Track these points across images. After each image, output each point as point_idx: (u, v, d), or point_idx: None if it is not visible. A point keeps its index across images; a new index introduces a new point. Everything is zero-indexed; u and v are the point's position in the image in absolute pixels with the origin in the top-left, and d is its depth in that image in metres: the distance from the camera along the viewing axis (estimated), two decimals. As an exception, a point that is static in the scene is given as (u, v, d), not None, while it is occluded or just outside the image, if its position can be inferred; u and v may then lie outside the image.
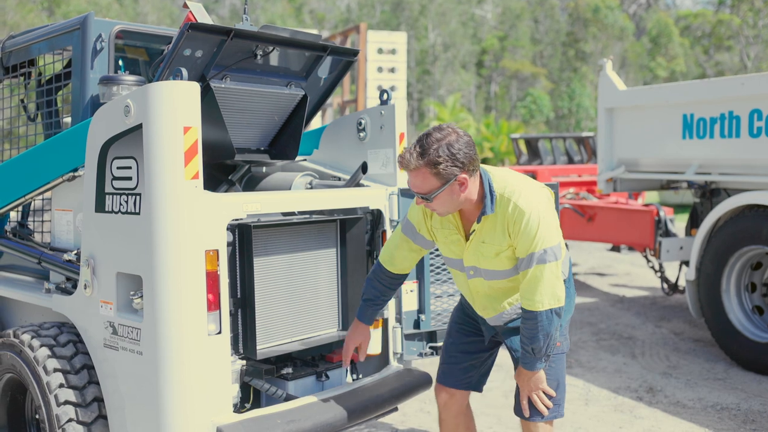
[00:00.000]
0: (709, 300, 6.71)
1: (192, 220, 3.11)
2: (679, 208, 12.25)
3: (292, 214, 3.96)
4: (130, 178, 3.19)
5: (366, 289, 3.46)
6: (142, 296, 3.18)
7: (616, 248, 10.85)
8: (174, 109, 3.07)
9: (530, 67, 53.18)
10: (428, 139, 2.90)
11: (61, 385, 3.38)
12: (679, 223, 9.37)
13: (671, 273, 8.91)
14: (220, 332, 3.23)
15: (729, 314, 6.57)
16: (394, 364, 4.16)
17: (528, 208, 2.98)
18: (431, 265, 4.18)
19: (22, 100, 4.59)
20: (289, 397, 3.60)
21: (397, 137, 4.16)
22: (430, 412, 5.36)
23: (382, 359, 4.16)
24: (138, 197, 3.15)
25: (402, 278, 3.47)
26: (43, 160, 3.88)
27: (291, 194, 3.85)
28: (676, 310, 8.70)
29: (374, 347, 4.11)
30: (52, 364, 3.42)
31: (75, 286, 3.65)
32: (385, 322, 4.13)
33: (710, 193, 7.19)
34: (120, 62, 4.53)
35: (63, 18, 45.21)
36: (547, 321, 3.00)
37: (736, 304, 6.61)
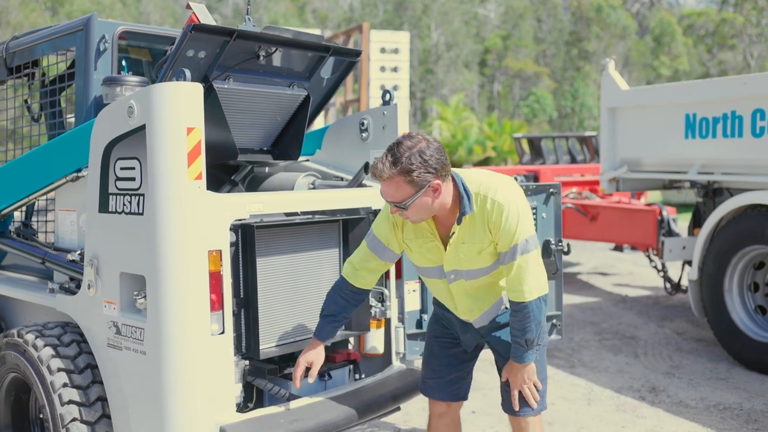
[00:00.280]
0: (712, 300, 6.71)
1: (195, 221, 3.12)
2: (681, 207, 12.24)
3: (295, 214, 3.97)
4: (133, 179, 3.21)
5: (326, 305, 3.40)
6: (145, 296, 3.19)
7: (618, 248, 10.84)
8: (177, 110, 3.08)
9: (533, 66, 53.14)
10: (399, 147, 2.91)
11: (64, 385, 3.39)
12: (681, 223, 9.37)
13: (674, 273, 8.91)
14: (223, 332, 3.25)
15: (731, 314, 6.57)
16: (397, 364, 4.17)
17: (505, 201, 3.02)
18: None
19: (26, 101, 4.60)
20: (291, 397, 3.61)
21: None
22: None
23: (385, 359, 4.18)
24: (141, 198, 3.16)
25: (364, 294, 3.41)
26: (47, 160, 3.89)
27: (294, 194, 3.86)
28: (679, 310, 8.70)
29: (377, 347, 4.12)
30: (56, 363, 3.43)
31: (78, 286, 3.66)
32: (388, 322, 4.14)
33: (713, 193, 7.19)
34: (123, 63, 4.54)
35: (66, 18, 45.27)
36: (537, 310, 3.06)
37: (738, 303, 6.61)
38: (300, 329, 3.77)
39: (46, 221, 4.27)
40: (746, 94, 6.49)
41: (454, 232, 3.10)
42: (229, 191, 4.17)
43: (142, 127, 3.12)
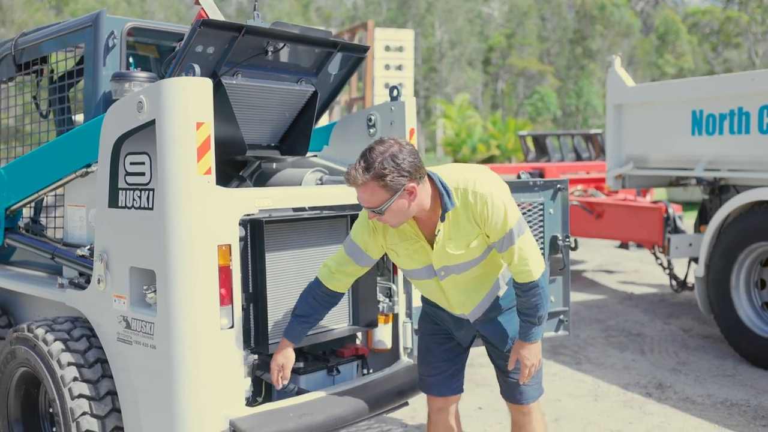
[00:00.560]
0: (719, 296, 6.70)
1: (205, 215, 3.14)
2: (687, 205, 12.23)
3: (303, 209, 3.98)
4: (143, 174, 3.22)
5: (298, 305, 3.38)
6: (155, 291, 3.20)
7: (624, 245, 10.83)
8: (187, 105, 3.09)
9: (537, 64, 53.12)
10: (372, 153, 2.91)
11: (75, 379, 3.41)
12: (686, 221, 9.37)
13: (680, 270, 8.90)
14: (232, 326, 3.26)
15: (738, 311, 6.57)
16: (405, 359, 4.17)
17: (486, 191, 3.02)
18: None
19: (35, 97, 4.62)
20: (300, 391, 3.62)
21: (407, 133, 4.17)
22: (439, 408, 5.38)
23: (392, 354, 4.18)
24: (151, 192, 3.17)
25: (338, 297, 3.39)
26: (56, 156, 3.90)
27: (302, 190, 3.87)
28: (685, 307, 8.70)
29: (384, 342, 4.13)
30: (66, 358, 3.45)
31: (88, 281, 3.68)
32: (396, 317, 4.15)
33: (719, 190, 7.18)
34: (130, 60, 4.55)
35: (71, 16, 45.36)
36: (545, 285, 3.11)
37: (745, 300, 6.60)
38: (308, 324, 3.77)
39: (55, 217, 4.28)
40: (753, 90, 6.49)
41: (439, 230, 3.09)
42: (237, 187, 4.17)
43: (152, 122, 3.13)
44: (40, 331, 3.57)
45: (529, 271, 3.06)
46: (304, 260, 3.75)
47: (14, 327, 3.83)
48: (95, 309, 3.55)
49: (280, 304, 3.62)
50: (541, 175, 10.79)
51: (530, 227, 4.30)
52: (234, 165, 4.23)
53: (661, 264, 8.68)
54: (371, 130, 4.29)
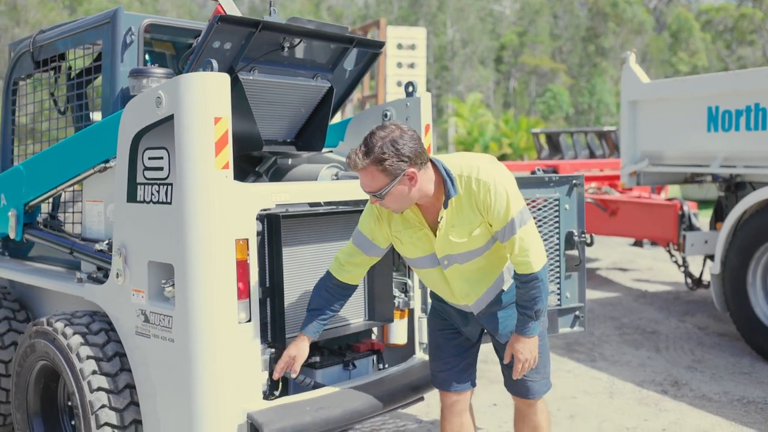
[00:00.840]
0: (735, 294, 6.67)
1: (222, 210, 3.15)
2: (701, 203, 12.18)
3: (318, 204, 3.99)
4: (161, 169, 3.24)
5: (312, 298, 3.40)
6: (173, 284, 3.22)
7: (638, 243, 10.81)
8: (205, 100, 3.11)
9: (549, 62, 52.96)
10: (372, 137, 2.92)
11: (94, 372, 3.43)
12: (701, 219, 9.32)
13: (694, 268, 8.87)
14: (249, 320, 3.28)
15: (755, 308, 6.53)
16: (420, 354, 4.18)
17: (490, 178, 3.01)
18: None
19: (52, 94, 4.65)
20: (317, 386, 3.64)
21: (423, 129, 4.18)
22: (454, 404, 5.38)
23: (408, 349, 4.19)
24: (169, 187, 3.19)
25: (350, 289, 3.39)
26: (75, 152, 3.93)
27: (318, 185, 3.89)
28: (700, 305, 8.66)
29: (400, 338, 4.14)
30: (85, 351, 3.47)
31: (106, 276, 3.70)
32: (411, 312, 4.16)
33: (735, 187, 7.15)
34: (146, 57, 4.57)
35: (85, 16, 45.57)
36: (545, 277, 3.10)
37: (761, 297, 6.56)
38: (325, 319, 3.78)
39: (73, 212, 4.31)
40: (770, 86, 6.45)
41: (442, 217, 3.09)
42: (253, 182, 4.19)
43: (170, 117, 3.15)
44: (59, 325, 3.59)
45: (529, 262, 3.04)
46: (320, 255, 3.76)
47: (33, 321, 3.86)
48: (114, 303, 3.57)
49: (296, 298, 3.64)
50: (555, 173, 10.76)
51: (545, 223, 4.31)
52: (250, 160, 4.24)
53: (675, 261, 8.64)
54: (387, 126, 4.29)
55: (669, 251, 8.70)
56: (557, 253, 4.37)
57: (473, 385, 3.53)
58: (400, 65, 16.40)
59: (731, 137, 6.82)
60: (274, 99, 3.96)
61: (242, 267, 3.23)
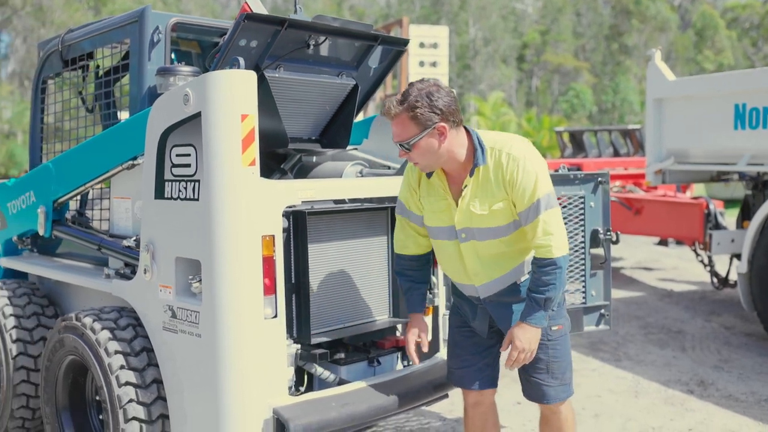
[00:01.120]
0: (762, 293, 6.61)
1: (249, 206, 3.17)
2: (727, 202, 12.06)
3: (343, 202, 4.00)
4: (189, 165, 3.26)
5: (400, 282, 3.52)
6: (200, 280, 3.24)
7: (663, 242, 10.73)
8: (232, 97, 3.13)
9: (572, 61, 52.68)
10: (410, 88, 3.00)
11: (121, 367, 3.46)
12: (728, 219, 9.23)
13: (721, 267, 8.78)
14: (275, 316, 3.29)
15: (783, 307, 6.47)
16: (445, 351, 4.17)
17: (521, 155, 3.01)
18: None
19: (81, 92, 4.70)
20: (341, 382, 3.65)
21: (448, 126, 4.17)
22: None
23: (433, 346, 4.18)
24: (197, 184, 3.21)
25: (424, 258, 3.45)
26: (103, 149, 3.97)
27: (343, 182, 3.90)
28: (726, 305, 8.58)
29: (425, 334, 4.14)
30: (113, 346, 3.51)
31: (134, 272, 3.74)
32: (435, 309, 4.16)
33: (762, 185, 7.09)
34: (173, 55, 4.61)
35: (109, 16, 45.98)
36: (564, 268, 3.03)
37: (790, 297, 6.50)
38: (349, 315, 3.80)
39: (101, 209, 4.36)
40: (798, 83, 6.38)
41: (466, 185, 3.09)
42: (278, 179, 4.21)
43: (198, 115, 3.17)
44: (87, 320, 3.63)
45: (550, 246, 2.99)
46: (344, 251, 3.78)
47: (62, 316, 3.91)
48: (141, 299, 3.61)
49: (321, 295, 3.65)
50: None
51: (570, 221, 4.30)
52: (275, 157, 4.26)
53: (701, 261, 8.57)
54: (411, 124, 4.30)
55: (695, 250, 8.64)
56: (582, 251, 4.36)
57: (492, 386, 3.49)
58: (422, 64, 16.43)
59: (758, 135, 6.75)
60: (299, 96, 3.97)
61: (268, 263, 3.25)
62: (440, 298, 4.15)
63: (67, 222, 4.44)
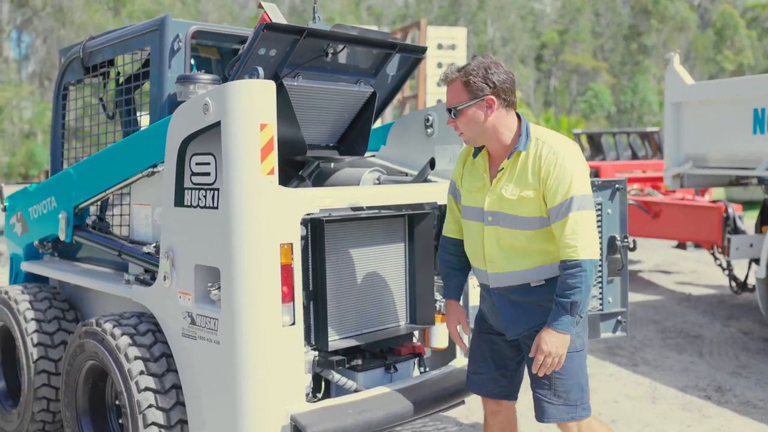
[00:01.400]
0: (781, 298, 6.57)
1: (268, 215, 3.20)
2: (747, 204, 11.98)
3: (361, 209, 4.03)
4: (208, 174, 3.30)
5: (440, 266, 3.54)
6: (219, 288, 3.28)
7: (681, 245, 10.66)
8: (251, 107, 3.16)
9: (591, 61, 52.43)
10: (472, 59, 3.09)
11: (141, 372, 3.51)
12: (747, 221, 9.17)
13: (739, 271, 8.73)
14: (293, 323, 3.32)
15: (801, 313, 6.43)
16: (461, 358, 4.19)
17: (562, 150, 3.02)
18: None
19: (101, 99, 4.76)
20: (358, 389, 3.67)
21: (465, 133, 4.18)
22: (494, 407, 5.39)
23: (449, 353, 4.21)
24: (216, 192, 3.25)
25: (464, 249, 3.44)
26: (124, 156, 4.02)
27: (361, 189, 3.92)
28: (745, 309, 8.53)
29: (441, 341, 4.16)
30: (133, 352, 3.55)
31: (153, 278, 3.78)
32: (452, 316, 4.17)
33: (781, 190, 7.04)
34: (192, 61, 4.66)
35: (128, 18, 46.28)
36: (589, 272, 2.96)
37: (808, 302, 6.46)
38: (367, 322, 3.83)
39: (121, 215, 4.41)
40: (818, 88, 6.33)
41: (502, 168, 3.11)
42: (296, 186, 4.24)
43: (217, 124, 3.21)
44: (108, 326, 3.68)
45: (577, 247, 2.94)
46: (363, 259, 3.80)
47: (83, 321, 3.96)
48: (161, 305, 3.65)
49: (339, 302, 3.68)
50: (597, 174, 10.67)
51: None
52: (294, 164, 4.29)
53: (720, 265, 8.53)
54: (428, 130, 4.32)
55: (713, 254, 8.60)
56: (600, 257, 4.35)
57: (508, 398, 3.45)
58: (440, 65, 16.41)
59: (778, 140, 6.71)
60: (317, 104, 4.01)
61: (287, 271, 3.28)
62: (457, 305, 4.15)
63: (87, 227, 4.49)
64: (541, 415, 3.23)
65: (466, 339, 3.58)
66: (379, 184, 4.18)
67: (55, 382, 4.39)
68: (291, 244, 3.29)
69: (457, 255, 3.46)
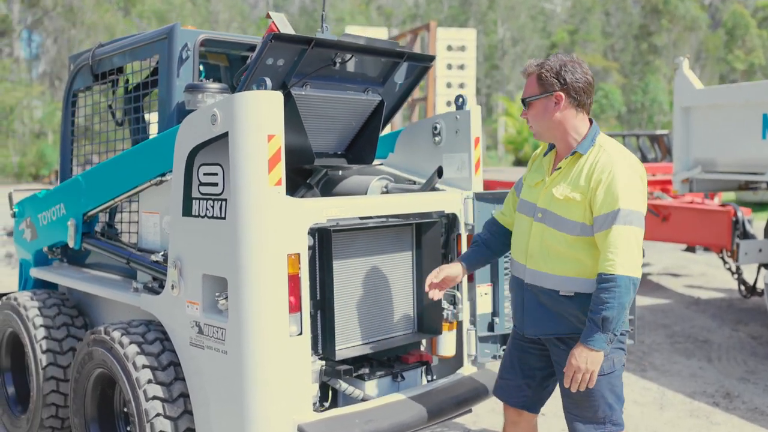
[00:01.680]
0: (790, 304, 6.54)
1: (275, 225, 3.22)
2: (756, 206, 11.93)
3: (369, 217, 4.03)
4: (216, 184, 3.31)
5: (474, 237, 3.59)
6: (227, 297, 3.29)
7: (690, 248, 10.64)
8: (258, 118, 3.17)
9: (601, 60, 52.28)
10: (555, 55, 3.13)
11: (149, 381, 3.52)
12: (757, 222, 9.14)
13: (749, 275, 8.70)
14: (300, 333, 3.33)
15: (810, 319, 6.40)
16: (468, 367, 4.20)
17: (620, 162, 2.99)
18: (506, 268, 4.20)
19: (110, 106, 4.78)
20: (365, 398, 3.68)
21: (473, 142, 4.19)
22: (502, 412, 5.38)
23: (456, 361, 4.21)
24: (224, 203, 3.26)
25: (502, 231, 3.50)
26: (132, 165, 4.04)
27: (368, 199, 3.93)
28: (754, 313, 8.50)
29: (448, 350, 4.16)
30: (141, 360, 3.57)
31: (162, 286, 3.80)
32: (460, 324, 4.18)
33: (791, 195, 7.00)
34: (201, 68, 4.67)
35: (138, 18, 46.42)
36: (624, 289, 2.87)
37: (818, 308, 6.43)
38: (375, 331, 3.84)
39: (129, 222, 4.42)
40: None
41: (560, 167, 3.13)
42: (304, 194, 4.25)
43: (225, 135, 3.22)
44: (116, 334, 3.70)
45: (614, 261, 2.88)
46: (370, 267, 3.81)
47: (91, 329, 3.98)
48: (169, 314, 3.67)
49: (346, 311, 3.69)
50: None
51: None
52: (301, 172, 4.30)
53: (729, 269, 8.50)
54: (436, 138, 4.33)
55: (722, 258, 8.57)
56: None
57: (530, 410, 3.41)
58: (450, 67, 16.40)
59: (787, 145, 6.68)
60: (325, 113, 4.01)
61: (294, 281, 3.29)
62: (464, 313, 4.16)
63: (96, 234, 4.51)
64: (570, 430, 3.23)
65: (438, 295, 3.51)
66: (387, 192, 4.18)
67: (63, 389, 4.42)
68: (298, 255, 3.30)
69: (494, 235, 3.53)
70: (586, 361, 2.95)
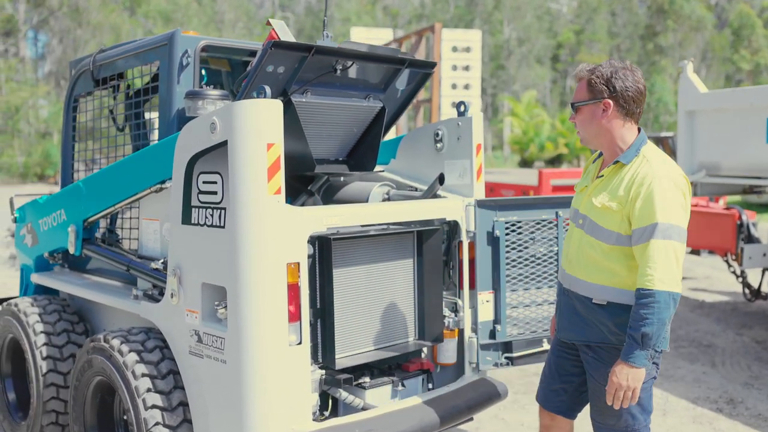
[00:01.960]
0: (794, 310, 6.50)
1: (274, 234, 3.20)
2: (761, 208, 11.88)
3: (370, 225, 4.01)
4: (215, 193, 3.30)
5: None
6: (226, 306, 3.28)
7: (695, 251, 10.58)
8: (258, 127, 3.16)
9: (607, 61, 52.14)
10: (608, 62, 3.08)
11: (148, 390, 3.51)
12: (762, 225, 9.09)
13: (754, 278, 8.65)
14: (300, 342, 3.32)
15: (815, 325, 6.36)
16: (470, 374, 4.17)
17: (662, 175, 2.92)
18: (507, 275, 4.18)
19: (111, 111, 4.77)
20: (366, 406, 3.66)
21: (474, 148, 4.17)
22: (504, 419, 5.37)
23: (458, 369, 4.19)
24: (223, 211, 3.25)
25: None
26: (132, 172, 4.03)
27: (369, 207, 3.91)
28: (758, 317, 8.46)
29: (450, 357, 4.14)
30: (141, 369, 3.56)
31: (161, 294, 3.79)
32: (461, 332, 4.16)
33: (796, 199, 6.96)
34: (203, 72, 4.66)
35: (144, 17, 46.48)
36: (664, 304, 2.81)
37: (823, 314, 6.39)
38: (375, 339, 3.82)
39: (130, 229, 4.41)
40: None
41: (602, 175, 3.11)
42: (305, 201, 4.24)
43: (224, 143, 3.21)
44: (115, 342, 3.69)
45: (652, 276, 2.82)
46: (371, 276, 3.79)
47: (91, 337, 3.97)
48: (168, 322, 3.65)
49: (347, 320, 3.67)
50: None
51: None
52: (303, 179, 4.29)
53: (733, 272, 8.46)
54: (438, 145, 4.31)
55: (727, 261, 8.53)
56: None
57: (565, 414, 3.38)
58: (455, 68, 16.36)
59: (792, 149, 6.64)
60: (326, 120, 4.00)
61: (293, 290, 3.27)
62: (466, 321, 4.14)
63: (96, 241, 4.50)
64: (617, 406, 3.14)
65: None
66: (389, 199, 4.17)
67: (64, 395, 4.41)
68: (298, 263, 3.29)
69: None
70: (627, 378, 2.90)
